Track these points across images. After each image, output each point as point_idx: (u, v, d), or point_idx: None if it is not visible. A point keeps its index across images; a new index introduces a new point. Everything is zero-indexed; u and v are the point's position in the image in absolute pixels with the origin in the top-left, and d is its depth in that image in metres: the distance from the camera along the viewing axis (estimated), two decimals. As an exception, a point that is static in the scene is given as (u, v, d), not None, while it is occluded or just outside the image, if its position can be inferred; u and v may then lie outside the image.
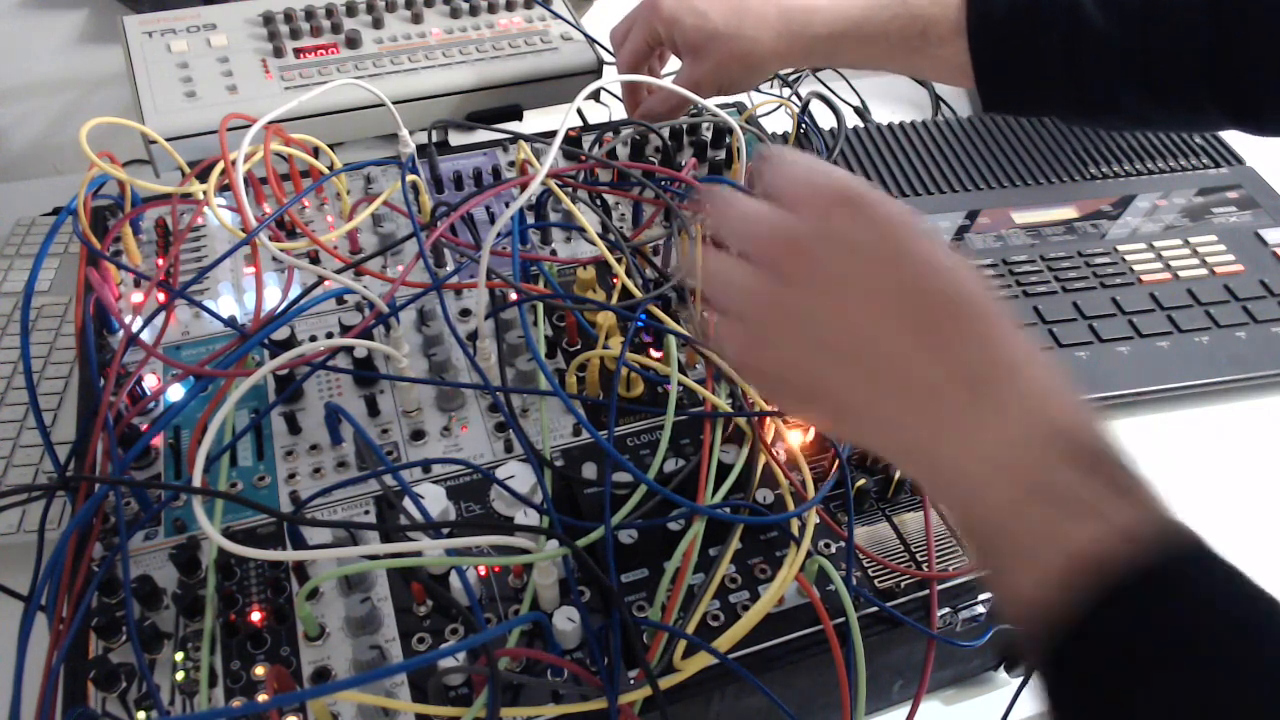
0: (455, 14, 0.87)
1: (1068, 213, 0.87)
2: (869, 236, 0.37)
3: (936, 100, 1.05)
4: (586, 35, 0.87)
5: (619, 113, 0.85)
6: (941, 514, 0.53)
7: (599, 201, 0.68)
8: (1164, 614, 0.29)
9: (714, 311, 0.42)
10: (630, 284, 0.59)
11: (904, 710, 0.51)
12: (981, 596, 0.51)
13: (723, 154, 0.76)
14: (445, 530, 0.49)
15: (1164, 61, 0.62)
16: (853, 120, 1.00)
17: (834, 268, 0.37)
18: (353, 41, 0.82)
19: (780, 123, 0.97)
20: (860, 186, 0.38)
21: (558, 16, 0.88)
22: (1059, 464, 0.32)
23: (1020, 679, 0.55)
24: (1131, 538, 0.30)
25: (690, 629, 0.46)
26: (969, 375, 0.35)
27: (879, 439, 0.38)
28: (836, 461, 0.53)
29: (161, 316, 0.59)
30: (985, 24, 0.66)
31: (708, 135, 0.76)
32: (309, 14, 0.84)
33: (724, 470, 0.51)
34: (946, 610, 0.50)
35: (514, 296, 0.58)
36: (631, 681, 0.45)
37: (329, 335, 0.61)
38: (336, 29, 0.83)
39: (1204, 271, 0.81)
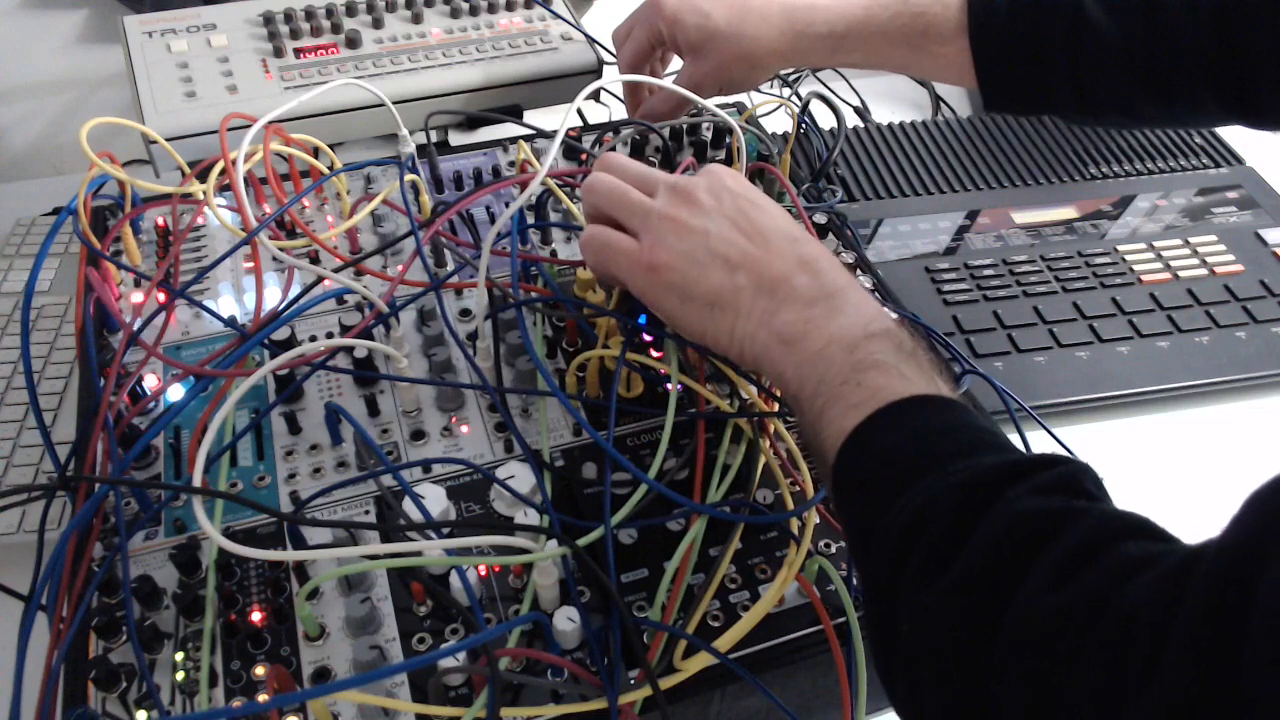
0: (455, 14, 0.87)
1: (1068, 213, 0.87)
2: (746, 189, 0.50)
3: (936, 100, 1.05)
4: (587, 35, 0.87)
5: (619, 113, 0.85)
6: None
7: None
8: (893, 427, 0.40)
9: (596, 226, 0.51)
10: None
11: (904, 710, 0.51)
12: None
13: (723, 154, 0.76)
14: (445, 530, 0.49)
15: (1166, 58, 0.62)
16: (853, 120, 1.00)
17: (725, 204, 0.49)
18: (353, 41, 0.82)
19: (780, 123, 0.97)
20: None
21: (558, 16, 0.88)
22: (888, 348, 0.43)
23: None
24: (923, 396, 0.41)
25: (690, 629, 0.46)
26: (830, 290, 0.46)
27: (752, 331, 0.46)
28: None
29: (161, 316, 0.59)
30: (987, 22, 0.66)
31: (708, 135, 0.76)
32: (309, 14, 0.84)
33: (724, 470, 0.51)
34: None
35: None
36: (631, 681, 0.45)
37: (329, 335, 0.61)
38: (336, 29, 0.83)
39: (1204, 271, 0.81)
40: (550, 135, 0.75)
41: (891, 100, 1.05)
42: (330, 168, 0.70)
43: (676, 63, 0.78)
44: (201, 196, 0.64)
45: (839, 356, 0.43)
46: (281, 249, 0.58)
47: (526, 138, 0.76)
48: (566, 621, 0.46)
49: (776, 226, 0.48)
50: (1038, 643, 0.31)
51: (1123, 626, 0.30)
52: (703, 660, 0.45)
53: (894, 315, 0.46)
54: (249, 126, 0.61)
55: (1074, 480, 0.37)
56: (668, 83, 0.69)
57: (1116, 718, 0.29)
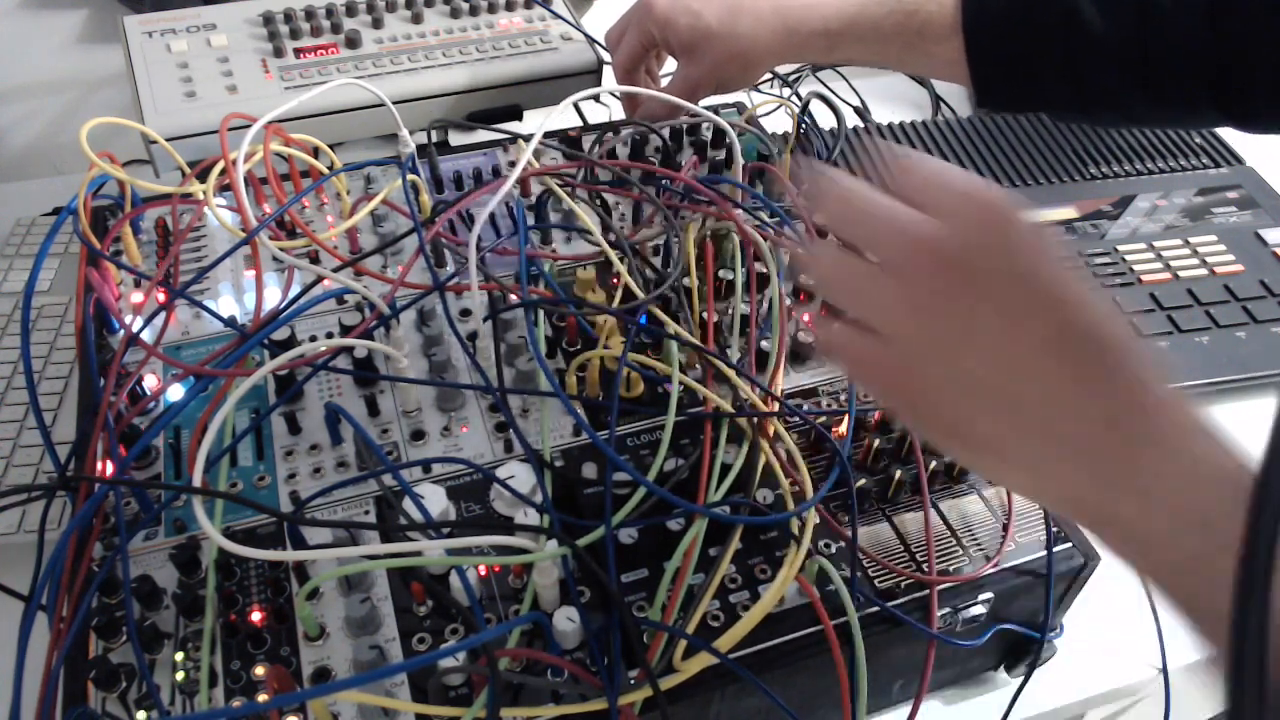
0: (455, 14, 0.87)
1: (1068, 213, 0.87)
2: (1025, 264, 0.35)
3: (936, 100, 1.05)
4: (586, 35, 0.87)
5: (619, 113, 0.85)
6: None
7: (599, 201, 0.68)
8: None
9: (837, 319, 0.39)
10: (633, 284, 0.59)
11: (904, 710, 0.51)
12: (981, 597, 0.51)
13: (723, 154, 0.76)
14: (445, 530, 0.49)
15: (1160, 59, 0.62)
16: (853, 120, 1.00)
17: (990, 295, 0.34)
18: (353, 41, 0.82)
19: (780, 123, 0.97)
20: (1006, 200, 0.35)
21: (558, 16, 0.88)
22: (1234, 510, 0.28)
23: (1020, 679, 0.55)
24: None
25: (690, 629, 0.46)
26: (1127, 422, 0.33)
27: (1029, 483, 0.36)
28: (836, 460, 0.53)
29: (161, 316, 0.59)
30: (981, 20, 0.66)
31: (708, 135, 0.76)
32: (309, 14, 0.84)
33: (724, 470, 0.51)
34: (947, 610, 0.50)
35: (514, 297, 0.58)
36: (631, 682, 0.45)
37: (329, 335, 0.61)
38: (336, 29, 0.83)
39: (1204, 271, 0.81)
40: (550, 138, 0.75)
41: (891, 100, 1.05)
42: (330, 168, 0.70)
43: (673, 61, 0.78)
44: (201, 196, 0.64)
45: (1188, 545, 0.33)
46: (281, 249, 0.58)
47: (510, 140, 0.76)
48: (566, 621, 0.46)
49: (1125, 355, 0.34)
50: None
51: None
52: (703, 660, 0.45)
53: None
54: (249, 126, 0.61)
55: None
56: (659, 93, 0.69)
57: None
